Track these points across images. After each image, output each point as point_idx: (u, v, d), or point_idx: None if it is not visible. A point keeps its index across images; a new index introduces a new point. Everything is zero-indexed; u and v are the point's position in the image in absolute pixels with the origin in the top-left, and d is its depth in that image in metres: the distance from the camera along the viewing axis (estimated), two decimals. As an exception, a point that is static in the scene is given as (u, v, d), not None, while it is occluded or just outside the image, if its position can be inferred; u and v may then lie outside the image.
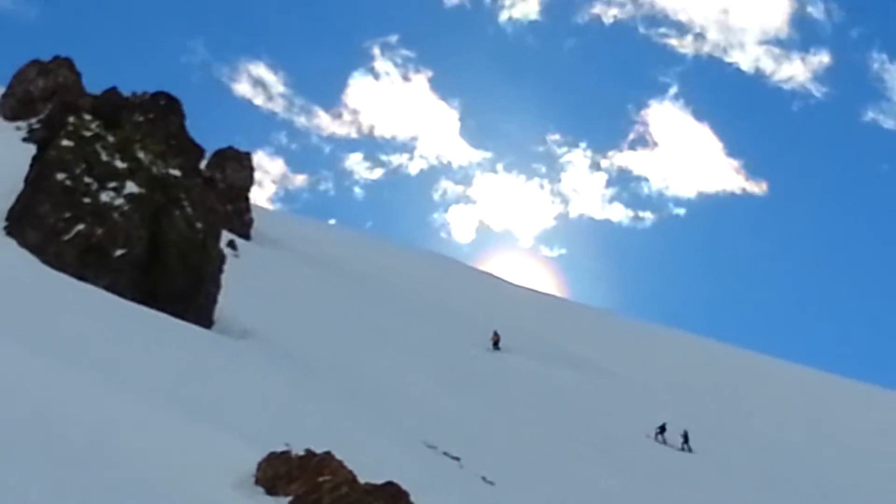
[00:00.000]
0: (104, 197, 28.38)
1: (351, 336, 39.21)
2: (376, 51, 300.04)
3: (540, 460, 32.29)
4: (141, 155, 30.33)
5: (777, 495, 38.05)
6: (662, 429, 42.34)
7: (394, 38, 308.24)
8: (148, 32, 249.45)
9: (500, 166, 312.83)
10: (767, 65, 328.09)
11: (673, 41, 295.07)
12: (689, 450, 41.81)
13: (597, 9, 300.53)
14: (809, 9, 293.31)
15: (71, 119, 30.27)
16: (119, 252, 27.64)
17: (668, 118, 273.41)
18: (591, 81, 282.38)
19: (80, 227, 27.53)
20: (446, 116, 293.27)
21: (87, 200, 28.12)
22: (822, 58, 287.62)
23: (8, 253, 27.09)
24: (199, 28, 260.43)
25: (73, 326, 22.32)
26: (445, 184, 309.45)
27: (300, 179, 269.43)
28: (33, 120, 64.21)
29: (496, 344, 50.98)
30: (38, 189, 28.40)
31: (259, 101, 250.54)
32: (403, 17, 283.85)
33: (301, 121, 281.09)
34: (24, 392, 15.31)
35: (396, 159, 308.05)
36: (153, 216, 29.05)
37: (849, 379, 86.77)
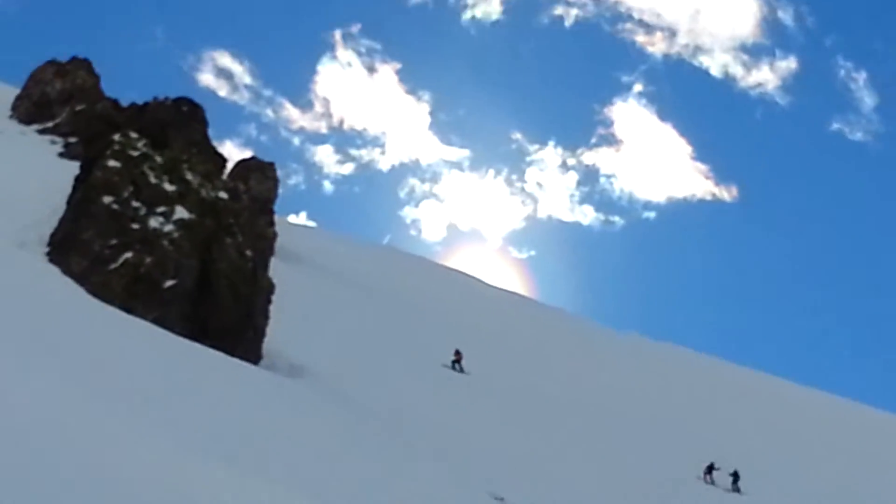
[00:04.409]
0: (153, 223, 26.62)
1: (396, 368, 37.59)
2: (338, 38, 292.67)
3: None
4: (189, 176, 28.57)
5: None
6: (711, 468, 40.59)
7: (356, 28, 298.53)
8: (105, 19, 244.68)
9: (468, 164, 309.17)
10: (737, 70, 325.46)
11: (640, 38, 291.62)
12: (738, 490, 40.11)
13: (559, 10, 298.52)
14: (780, 13, 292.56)
15: (116, 137, 28.48)
16: (169, 283, 25.88)
17: (634, 118, 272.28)
18: (557, 80, 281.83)
19: (128, 255, 25.76)
20: (415, 111, 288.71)
21: (135, 226, 26.36)
22: (790, 63, 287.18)
23: (51, 281, 25.31)
24: (159, 15, 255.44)
25: (120, 364, 20.78)
26: (414, 181, 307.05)
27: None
28: (50, 124, 62.45)
29: (457, 363, 43.62)
30: (83, 213, 26.60)
31: (224, 92, 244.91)
32: (366, 7, 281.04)
33: (268, 113, 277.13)
34: (71, 436, 13.91)
35: (367, 154, 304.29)
36: (203, 244, 27.27)
37: (855, 401, 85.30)
